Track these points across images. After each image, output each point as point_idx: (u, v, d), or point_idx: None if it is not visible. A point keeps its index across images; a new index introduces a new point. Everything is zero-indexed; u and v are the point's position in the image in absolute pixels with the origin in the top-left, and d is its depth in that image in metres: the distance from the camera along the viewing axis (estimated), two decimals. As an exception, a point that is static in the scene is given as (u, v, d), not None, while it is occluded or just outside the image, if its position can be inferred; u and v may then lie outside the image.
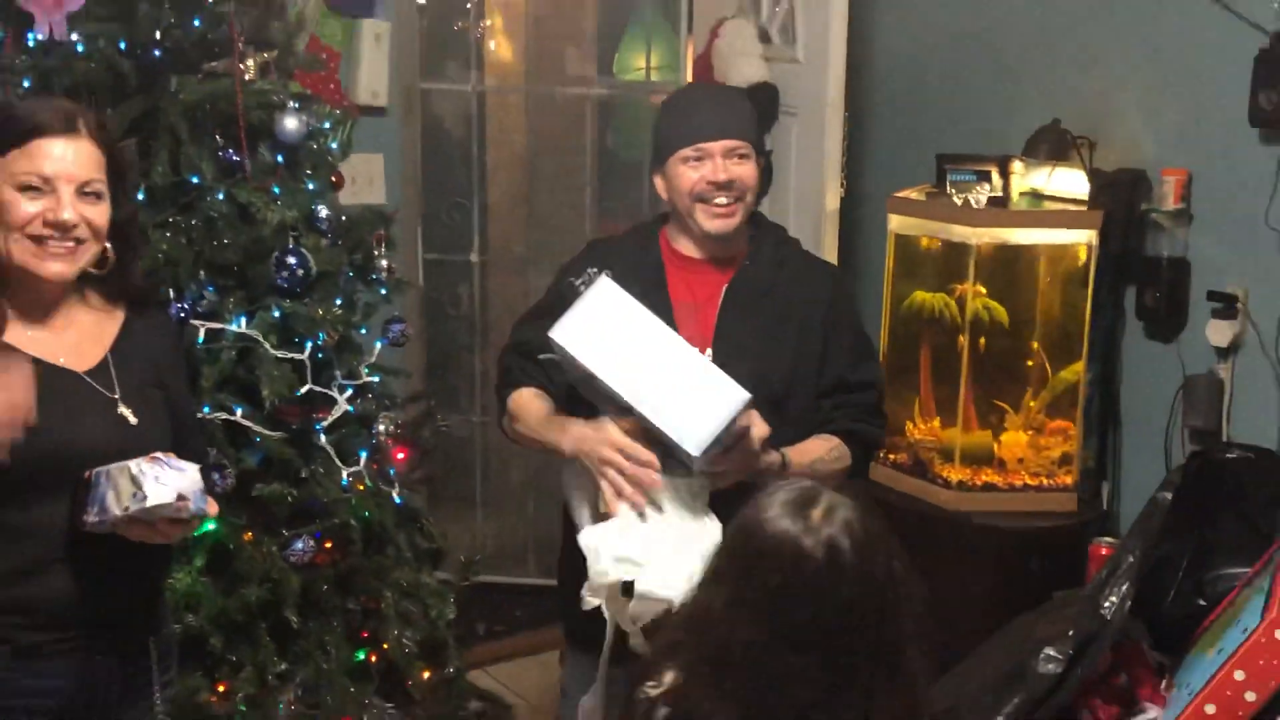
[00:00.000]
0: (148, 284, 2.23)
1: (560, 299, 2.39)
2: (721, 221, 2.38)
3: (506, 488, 4.93)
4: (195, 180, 2.77)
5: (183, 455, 2.05)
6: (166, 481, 1.87)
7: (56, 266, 1.94)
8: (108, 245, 2.01)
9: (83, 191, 1.94)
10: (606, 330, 2.18)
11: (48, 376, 1.93)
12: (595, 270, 2.38)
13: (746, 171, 2.37)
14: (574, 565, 2.31)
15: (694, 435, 2.11)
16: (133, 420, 2.02)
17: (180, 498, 1.88)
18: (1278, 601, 2.34)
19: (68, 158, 1.93)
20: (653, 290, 2.39)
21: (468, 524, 4.85)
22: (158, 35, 2.74)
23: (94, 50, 2.70)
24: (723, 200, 2.36)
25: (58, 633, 1.96)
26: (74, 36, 2.69)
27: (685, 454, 2.13)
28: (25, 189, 1.91)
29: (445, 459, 4.79)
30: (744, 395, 2.13)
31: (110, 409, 2.01)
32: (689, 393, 2.13)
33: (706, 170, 2.35)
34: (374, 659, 2.96)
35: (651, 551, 2.12)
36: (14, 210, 1.91)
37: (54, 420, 1.89)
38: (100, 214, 1.98)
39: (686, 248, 2.46)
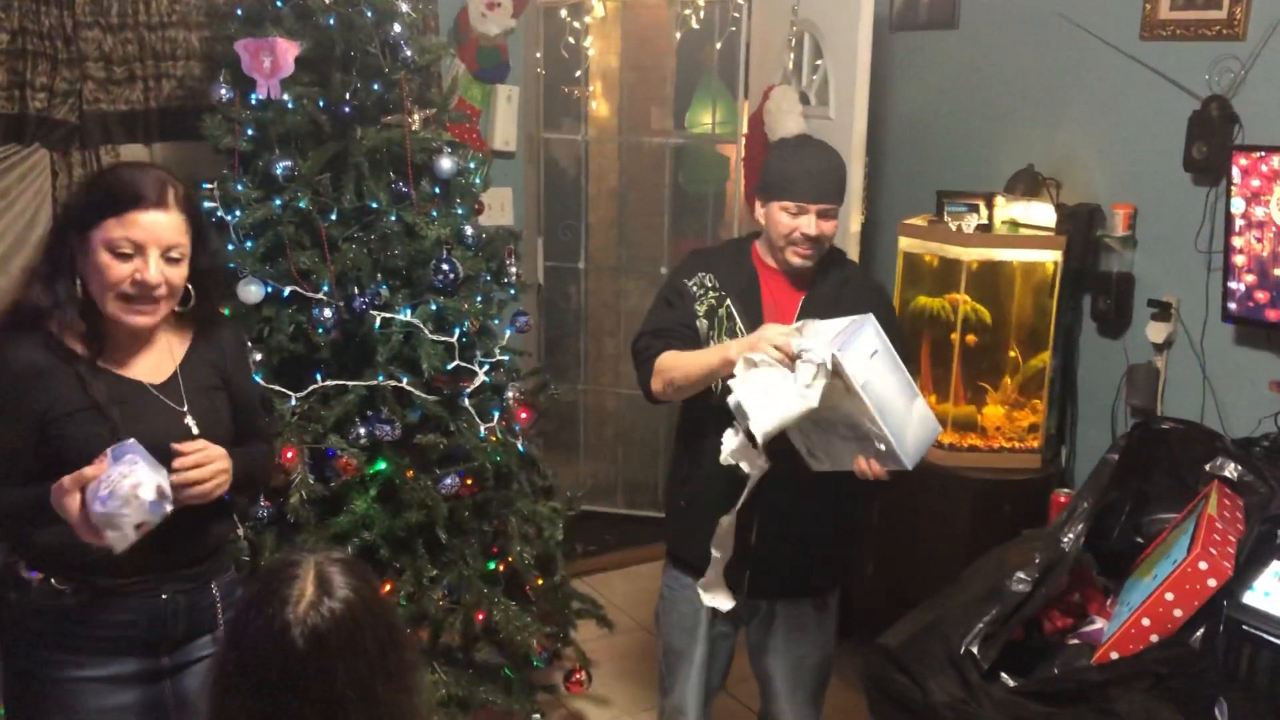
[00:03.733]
0: (216, 309, 2.06)
1: (679, 295, 2.41)
2: (803, 261, 2.36)
3: (602, 439, 4.98)
4: (374, 205, 2.83)
5: (250, 435, 2.02)
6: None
7: (141, 320, 1.84)
8: (189, 287, 1.89)
9: (168, 256, 1.83)
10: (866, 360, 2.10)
11: (127, 390, 1.86)
12: (703, 274, 2.41)
13: (830, 226, 2.34)
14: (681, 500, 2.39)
15: (910, 456, 2.14)
16: (195, 430, 1.89)
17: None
18: (1199, 540, 2.30)
19: (158, 226, 1.81)
20: (748, 291, 2.40)
21: (573, 466, 4.91)
22: (347, 96, 2.80)
23: (299, 107, 2.76)
24: (807, 248, 2.34)
25: (134, 577, 1.86)
26: (285, 96, 2.75)
27: (899, 462, 2.13)
28: (118, 254, 1.79)
29: (557, 417, 4.86)
30: (938, 427, 2.27)
31: (178, 420, 1.90)
32: (912, 422, 2.17)
33: (802, 224, 2.31)
34: (501, 568, 3.00)
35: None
36: (109, 272, 1.79)
37: (132, 426, 1.81)
38: (180, 274, 1.86)
39: (771, 261, 2.43)
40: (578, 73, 4.68)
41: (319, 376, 2.79)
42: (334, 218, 2.80)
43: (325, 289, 2.75)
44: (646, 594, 4.13)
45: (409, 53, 2.88)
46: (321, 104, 2.79)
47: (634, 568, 4.35)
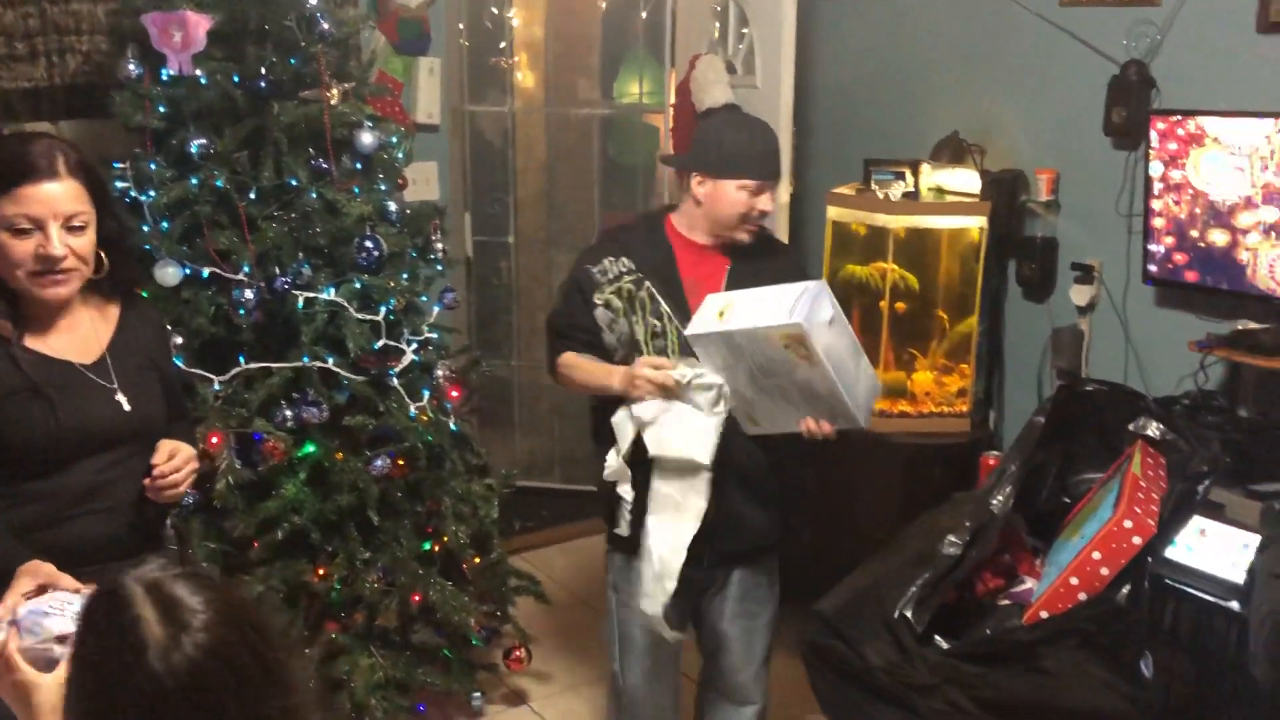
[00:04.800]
0: (135, 281, 2.05)
1: (578, 288, 2.38)
2: (751, 236, 2.37)
3: (537, 414, 4.95)
4: (294, 183, 2.76)
5: (173, 416, 2.00)
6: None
7: (56, 291, 1.80)
8: (101, 254, 1.86)
9: (69, 226, 1.77)
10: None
11: (58, 370, 1.83)
12: (613, 259, 2.36)
13: (774, 201, 2.38)
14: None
15: (863, 414, 2.24)
16: (127, 407, 1.88)
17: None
18: (1124, 499, 2.34)
19: (53, 198, 1.75)
20: (664, 270, 2.37)
21: (509, 442, 4.89)
22: (263, 70, 2.72)
23: (213, 83, 2.68)
24: (759, 224, 2.37)
25: (82, 566, 1.76)
26: (197, 72, 2.67)
27: (854, 421, 2.22)
28: (16, 231, 1.74)
29: (491, 393, 4.82)
30: (879, 384, 2.38)
31: (109, 397, 1.88)
32: (861, 380, 2.23)
33: (760, 202, 2.31)
34: (436, 548, 2.98)
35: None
36: (11, 251, 1.75)
37: (66, 408, 1.80)
38: (85, 242, 1.81)
39: (698, 236, 2.39)
40: (502, 44, 4.61)
41: (242, 359, 2.73)
42: (253, 196, 2.73)
43: (246, 270, 2.69)
44: (585, 568, 4.13)
45: (326, 25, 2.80)
46: (236, 79, 2.71)
47: (572, 542, 4.35)
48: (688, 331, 2.21)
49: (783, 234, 3.52)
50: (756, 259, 2.40)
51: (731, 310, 2.18)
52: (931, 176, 3.35)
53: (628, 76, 4.77)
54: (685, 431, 2.23)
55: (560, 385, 2.48)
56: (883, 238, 3.28)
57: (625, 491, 2.34)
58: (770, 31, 3.53)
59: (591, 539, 4.35)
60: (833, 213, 3.44)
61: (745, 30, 3.73)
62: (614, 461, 2.30)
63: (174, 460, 1.89)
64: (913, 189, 3.30)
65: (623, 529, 2.38)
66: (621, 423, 2.29)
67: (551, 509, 4.57)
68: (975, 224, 3.27)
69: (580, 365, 2.38)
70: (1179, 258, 2.88)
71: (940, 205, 3.30)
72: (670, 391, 2.21)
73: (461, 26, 4.38)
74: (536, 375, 4.89)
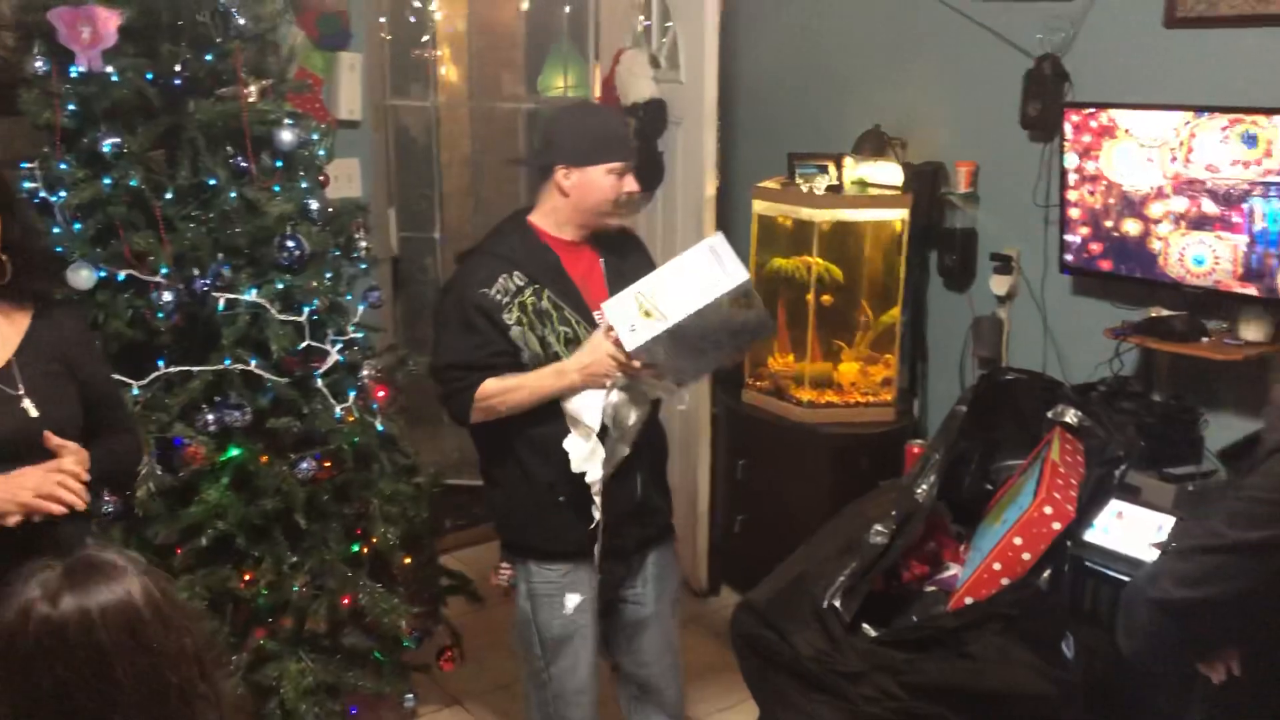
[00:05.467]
0: (47, 286, 1.98)
1: (481, 313, 2.28)
2: (621, 219, 2.42)
3: (466, 411, 4.91)
4: (212, 182, 2.69)
5: (107, 425, 1.94)
6: None
7: None
8: (4, 258, 1.82)
9: None
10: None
11: None
12: (505, 276, 2.30)
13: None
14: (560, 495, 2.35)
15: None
16: (34, 413, 1.84)
17: None
18: (1044, 485, 2.40)
19: None
20: (555, 271, 2.35)
21: (438, 440, 4.84)
22: (177, 67, 2.66)
23: (125, 80, 2.61)
24: (629, 205, 2.40)
25: None
26: (108, 69, 2.59)
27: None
28: None
29: (419, 391, 4.75)
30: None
31: (13, 404, 1.83)
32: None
33: (627, 183, 2.33)
34: (365, 550, 2.93)
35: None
36: None
37: None
38: None
39: (568, 233, 2.38)
40: (424, 37, 4.57)
41: (161, 363, 2.67)
42: (169, 196, 2.66)
43: (163, 271, 2.62)
44: (517, 565, 4.11)
45: (242, 21, 2.74)
46: (150, 76, 2.64)
47: (503, 539, 4.32)
48: (631, 346, 2.16)
49: (709, 228, 3.54)
50: (620, 252, 2.44)
51: (654, 304, 2.17)
52: (854, 170, 3.39)
53: (552, 70, 4.75)
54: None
55: (479, 421, 2.35)
56: (807, 231, 3.31)
57: (596, 470, 2.29)
58: (693, 26, 3.55)
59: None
60: (758, 206, 3.47)
61: (669, 25, 3.74)
62: (584, 445, 2.26)
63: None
64: (836, 182, 3.34)
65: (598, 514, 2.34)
66: (583, 406, 2.26)
67: (481, 506, 4.54)
68: (897, 216, 3.32)
69: (518, 383, 2.29)
70: (1094, 247, 2.95)
71: (863, 198, 3.34)
72: (632, 364, 2.21)
73: (383, 20, 4.32)
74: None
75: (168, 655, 1.18)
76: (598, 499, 2.34)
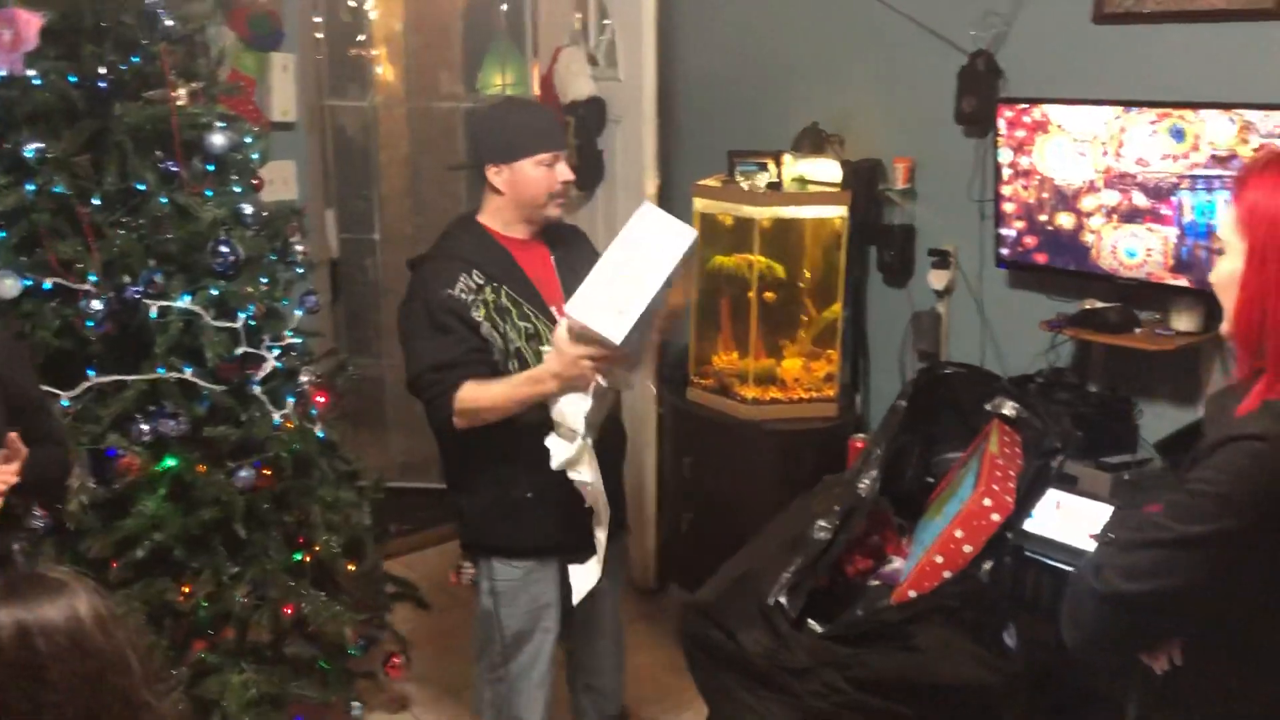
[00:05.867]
0: None
1: (450, 313, 2.27)
2: (561, 210, 2.40)
3: (412, 414, 4.82)
4: (141, 187, 2.65)
5: (34, 436, 1.90)
6: None
7: None
8: None
9: None
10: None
11: None
12: (466, 275, 2.29)
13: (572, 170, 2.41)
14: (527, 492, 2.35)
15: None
16: None
17: None
18: (983, 478, 2.43)
19: None
20: (511, 269, 2.36)
21: (382, 443, 4.81)
22: (102, 70, 2.60)
23: (49, 83, 2.55)
24: (565, 194, 2.39)
25: None
26: (31, 72, 2.53)
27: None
28: None
29: (363, 394, 4.72)
30: None
31: None
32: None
33: (560, 171, 2.34)
34: (308, 559, 2.90)
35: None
36: None
37: None
38: None
39: (518, 231, 2.39)
40: (360, 37, 4.52)
41: (92, 373, 2.61)
42: (97, 202, 2.61)
43: (92, 279, 2.56)
44: (464, 569, 4.08)
45: (169, 22, 2.69)
46: (73, 79, 2.58)
47: (450, 544, 4.28)
48: (621, 334, 2.09)
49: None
50: (568, 245, 2.46)
51: (621, 290, 2.13)
52: (794, 167, 3.40)
53: (490, 68, 4.72)
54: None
55: (464, 427, 2.28)
56: (748, 228, 3.32)
57: (585, 474, 2.26)
58: (631, 24, 3.54)
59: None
60: (699, 204, 3.47)
61: (607, 22, 3.73)
62: (568, 449, 2.22)
63: None
64: (776, 179, 3.35)
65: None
66: (568, 410, 2.21)
67: (429, 511, 4.51)
68: (837, 213, 3.34)
69: (493, 389, 2.25)
70: (1029, 241, 2.99)
71: (803, 195, 3.36)
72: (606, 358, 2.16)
73: (318, 20, 4.27)
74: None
75: (111, 670, 1.19)
76: (589, 500, 2.32)
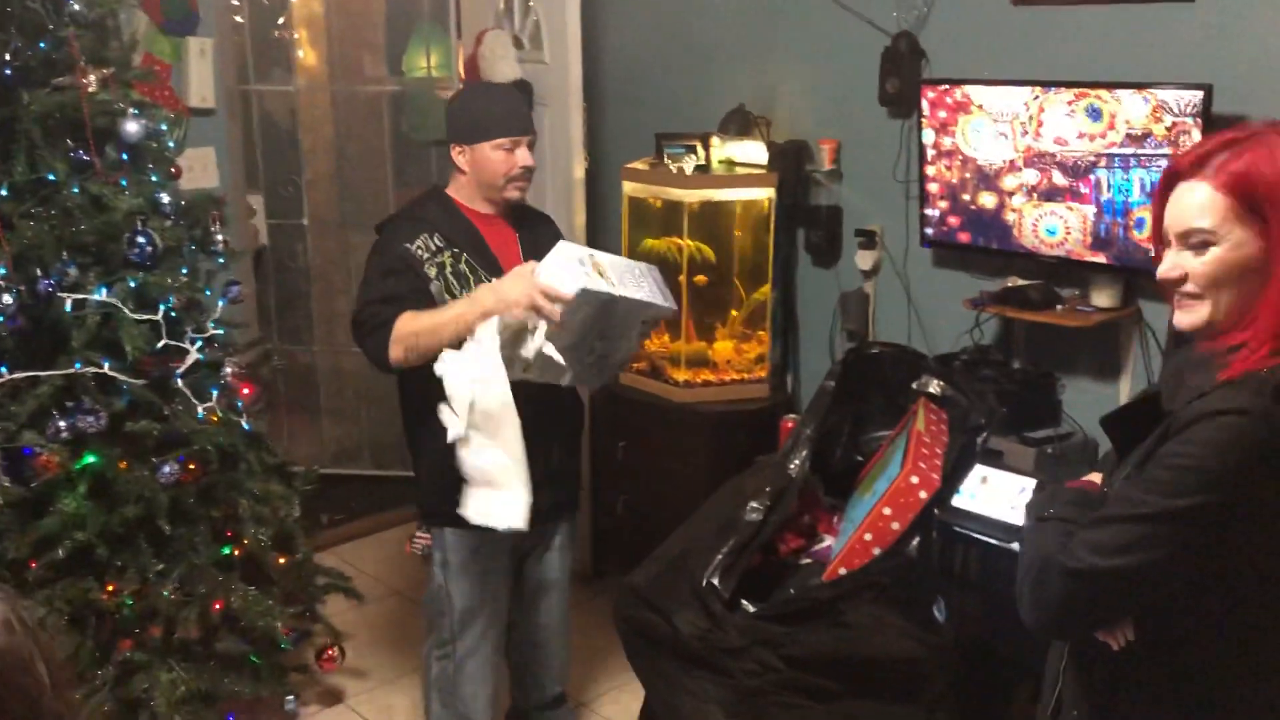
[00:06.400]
0: None
1: (402, 262, 2.31)
2: (522, 194, 2.44)
3: (344, 401, 4.83)
4: (52, 177, 2.57)
5: None
6: None
7: None
8: None
9: None
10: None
11: None
12: (427, 235, 2.34)
13: (533, 156, 2.43)
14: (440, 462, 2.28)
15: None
16: None
17: None
18: (910, 455, 2.46)
19: None
20: (474, 239, 2.40)
21: (315, 430, 4.76)
22: (7, 57, 2.52)
23: (-51, 70, 2.47)
24: (526, 180, 2.42)
25: None
26: (-69, 59, 2.45)
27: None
28: None
29: (293, 380, 4.67)
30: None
31: None
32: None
33: (519, 157, 2.38)
34: (237, 553, 2.85)
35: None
36: None
37: None
38: None
39: (483, 207, 2.44)
40: (280, 20, 4.43)
41: (4, 369, 2.54)
42: (4, 193, 2.53)
43: (1, 272, 2.49)
44: (396, 559, 4.05)
45: (77, 5, 2.61)
46: (-24, 66, 2.50)
47: (384, 533, 4.26)
48: (576, 287, 2.10)
49: (580, 211, 3.52)
50: (535, 229, 2.50)
51: (606, 272, 2.19)
52: (721, 149, 3.41)
53: (415, 51, 4.66)
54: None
55: (397, 369, 2.29)
56: (678, 211, 3.32)
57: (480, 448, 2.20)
58: (556, 6, 3.51)
59: (400, 528, 4.28)
60: (628, 188, 3.46)
61: (531, 3, 3.69)
62: (459, 418, 2.15)
63: None
64: (704, 162, 3.36)
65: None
66: (455, 376, 2.14)
67: (362, 498, 4.47)
68: (764, 195, 3.36)
69: (429, 314, 2.24)
70: (953, 220, 3.04)
71: (731, 178, 3.37)
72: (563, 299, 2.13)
73: (236, 3, 4.17)
74: (338, 360, 4.77)
75: (15, 672, 1.11)
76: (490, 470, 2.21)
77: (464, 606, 2.51)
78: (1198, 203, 1.34)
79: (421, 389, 2.30)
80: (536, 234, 2.49)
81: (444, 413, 2.16)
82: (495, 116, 2.38)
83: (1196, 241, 1.36)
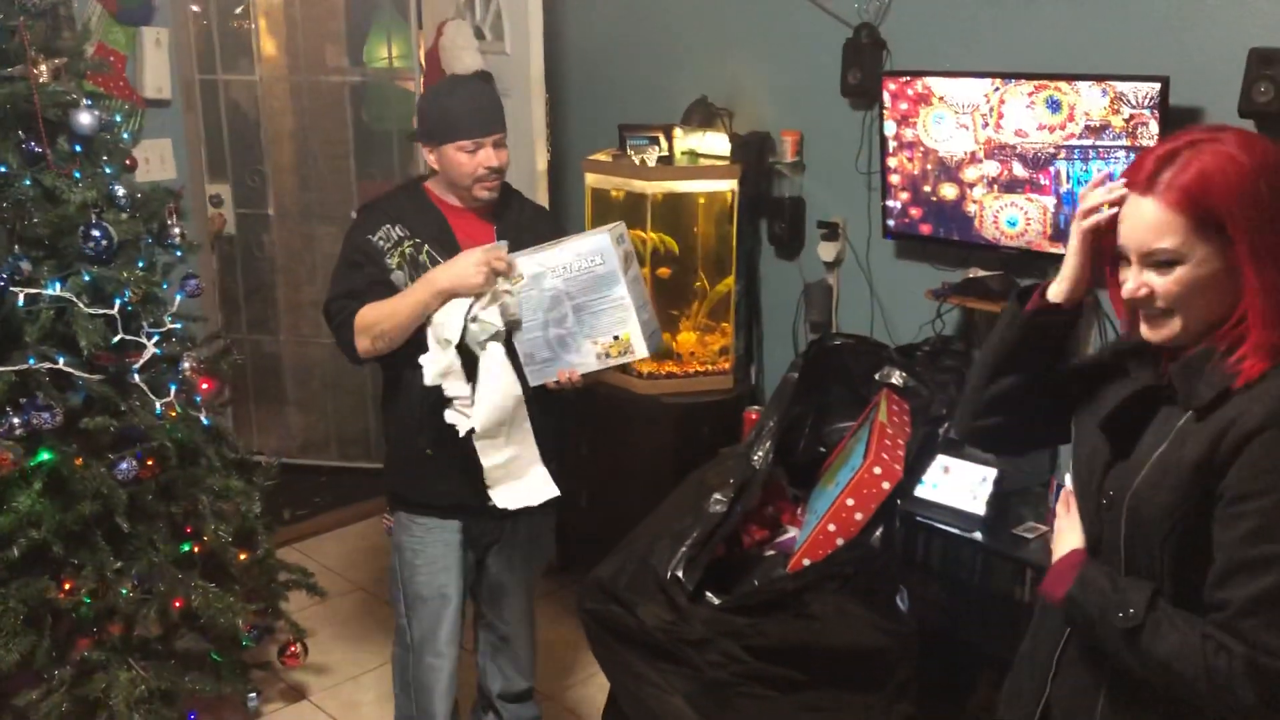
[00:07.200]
0: None
1: (364, 254, 2.33)
2: (491, 194, 2.38)
3: (310, 391, 4.78)
4: (3, 169, 2.52)
5: None
6: None
7: None
8: None
9: None
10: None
11: None
12: (389, 226, 2.34)
13: (505, 155, 2.37)
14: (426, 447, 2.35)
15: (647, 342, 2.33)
16: None
17: None
18: (873, 446, 2.46)
19: None
20: (441, 233, 2.37)
21: (282, 420, 4.72)
22: (-44, 46, 2.47)
23: (-104, 60, 2.41)
24: (494, 180, 2.36)
25: None
26: (-125, 48, 2.39)
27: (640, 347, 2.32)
28: None
29: (259, 370, 4.62)
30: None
31: None
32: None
33: (482, 158, 2.32)
34: (197, 550, 2.82)
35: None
36: None
37: None
38: None
39: (454, 200, 2.41)
40: (238, 9, 4.36)
41: (-44, 365, 2.49)
42: (-46, 185, 2.48)
43: (-48, 267, 2.44)
44: (360, 554, 4.02)
45: (27, -5, 2.56)
46: (-75, 56, 2.44)
47: (347, 528, 4.23)
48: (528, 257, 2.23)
49: (542, 201, 3.50)
50: (521, 226, 2.44)
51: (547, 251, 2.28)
52: (684, 141, 3.40)
53: (376, 41, 4.61)
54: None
55: (367, 359, 2.34)
56: (641, 203, 3.31)
57: (459, 388, 2.27)
58: (517, -4, 3.49)
59: (365, 523, 4.25)
60: (590, 179, 3.44)
61: (492, -6, 3.67)
62: (441, 358, 2.24)
63: None
64: (667, 154, 3.34)
65: (461, 424, 2.29)
66: (447, 318, 2.24)
67: (327, 493, 4.43)
68: (727, 186, 3.35)
69: (388, 302, 2.28)
70: (914, 212, 3.04)
71: (694, 169, 3.35)
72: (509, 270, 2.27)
73: (193, -9, 4.11)
74: (304, 350, 4.72)
75: None
76: (463, 409, 2.29)
77: (414, 593, 2.51)
78: (1154, 223, 1.32)
79: (389, 371, 2.40)
80: (521, 228, 2.42)
81: (450, 415, 2.27)
82: (457, 117, 2.32)
83: (1161, 260, 1.33)
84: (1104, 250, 1.44)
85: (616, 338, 2.29)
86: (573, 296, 2.28)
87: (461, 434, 2.28)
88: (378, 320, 2.27)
